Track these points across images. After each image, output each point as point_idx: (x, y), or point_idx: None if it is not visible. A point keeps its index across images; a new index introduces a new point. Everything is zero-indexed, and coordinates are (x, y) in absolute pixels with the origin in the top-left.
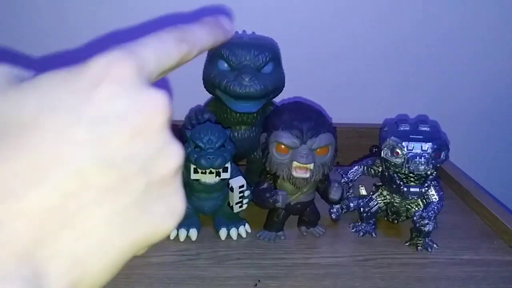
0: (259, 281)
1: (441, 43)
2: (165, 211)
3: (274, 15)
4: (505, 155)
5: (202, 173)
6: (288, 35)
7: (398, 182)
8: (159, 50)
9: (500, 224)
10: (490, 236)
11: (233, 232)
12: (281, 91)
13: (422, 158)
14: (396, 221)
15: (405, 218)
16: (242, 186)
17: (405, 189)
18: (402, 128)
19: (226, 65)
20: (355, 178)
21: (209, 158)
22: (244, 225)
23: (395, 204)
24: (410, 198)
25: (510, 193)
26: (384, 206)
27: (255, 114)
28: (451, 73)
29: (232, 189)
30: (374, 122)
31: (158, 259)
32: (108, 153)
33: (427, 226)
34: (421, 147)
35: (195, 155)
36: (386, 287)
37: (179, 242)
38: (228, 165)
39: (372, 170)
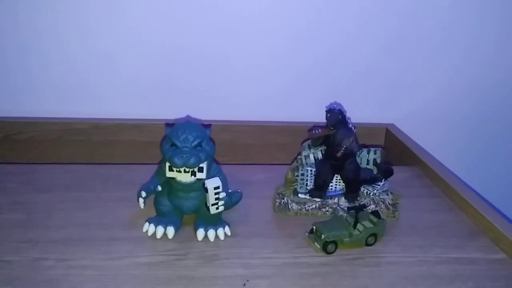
0: (247, 280)
1: (430, 46)
2: None
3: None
4: (489, 154)
5: (177, 171)
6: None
7: None
8: None
9: (486, 222)
10: (476, 234)
11: (211, 234)
12: None
13: None
14: None
15: None
16: (218, 187)
17: None
18: None
19: None
20: None
21: (182, 156)
22: (224, 227)
23: None
24: None
25: (495, 190)
26: None
27: None
28: (437, 79)
29: (206, 190)
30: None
31: (146, 259)
32: None
33: None
34: None
35: (170, 153)
36: (374, 286)
37: (167, 242)
38: (204, 165)
39: None
